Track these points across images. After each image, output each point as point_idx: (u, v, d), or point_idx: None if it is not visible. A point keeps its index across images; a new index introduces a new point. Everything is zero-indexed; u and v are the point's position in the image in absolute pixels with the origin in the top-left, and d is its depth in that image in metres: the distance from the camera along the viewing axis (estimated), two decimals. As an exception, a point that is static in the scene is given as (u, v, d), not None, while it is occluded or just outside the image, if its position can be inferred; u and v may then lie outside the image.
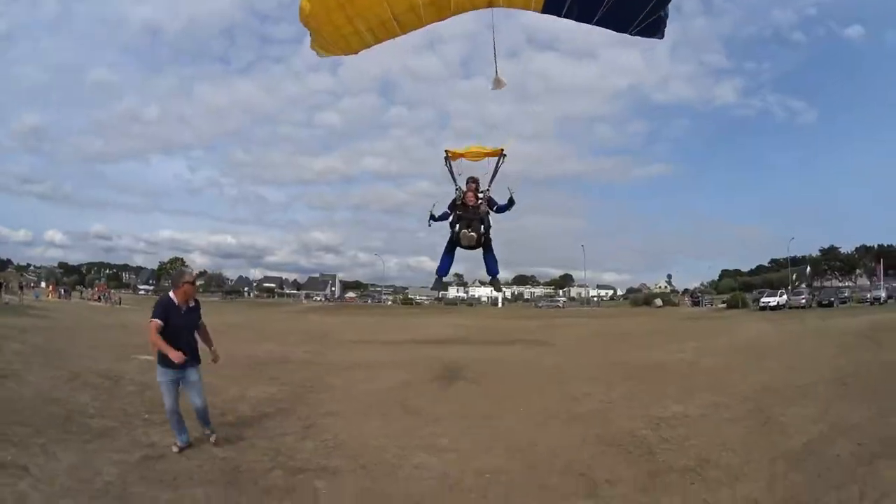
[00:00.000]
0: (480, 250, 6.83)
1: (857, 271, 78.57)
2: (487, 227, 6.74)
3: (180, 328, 4.88)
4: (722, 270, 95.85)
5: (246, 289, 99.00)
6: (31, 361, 8.34)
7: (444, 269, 7.01)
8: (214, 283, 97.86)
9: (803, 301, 31.67)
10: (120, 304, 44.10)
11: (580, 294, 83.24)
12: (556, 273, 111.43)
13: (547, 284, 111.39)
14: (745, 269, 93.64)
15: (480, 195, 6.83)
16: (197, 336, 5.15)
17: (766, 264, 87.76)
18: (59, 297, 45.04)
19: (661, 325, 23.57)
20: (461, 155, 7.04)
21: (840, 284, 62.02)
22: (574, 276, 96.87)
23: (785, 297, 32.91)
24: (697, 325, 22.62)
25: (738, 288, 54.63)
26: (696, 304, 48.34)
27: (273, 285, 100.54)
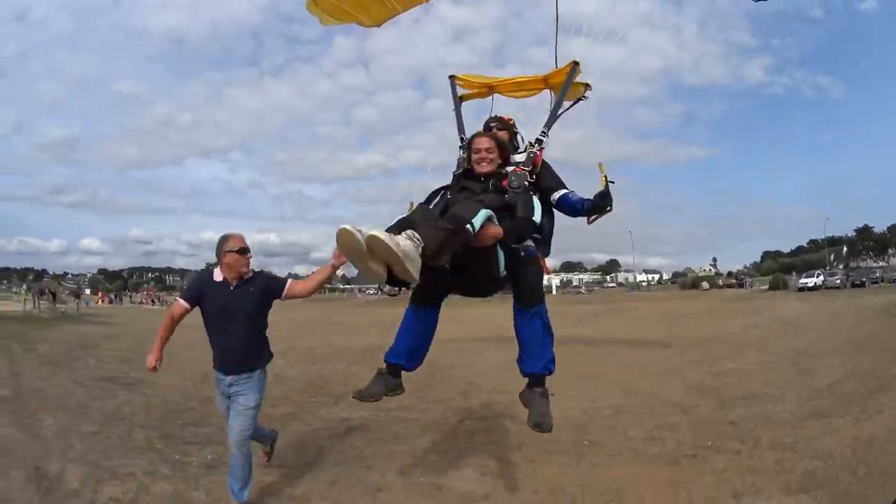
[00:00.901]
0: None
1: (890, 251, 79.10)
2: (522, 231, 3.00)
3: (227, 314, 3.48)
4: (763, 252, 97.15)
5: None
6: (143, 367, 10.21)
7: (398, 351, 3.28)
8: None
9: (837, 282, 34.08)
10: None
11: (627, 279, 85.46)
12: (603, 259, 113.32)
13: (594, 270, 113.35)
14: (785, 249, 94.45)
15: (519, 158, 3.35)
16: (258, 334, 3.63)
17: (805, 245, 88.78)
18: (110, 303, 46.97)
19: (711, 306, 26.48)
20: (488, 86, 4.00)
21: (873, 265, 63.26)
22: (620, 262, 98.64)
23: (822, 278, 35.21)
24: (743, 306, 25.46)
25: (778, 269, 56.65)
26: (740, 286, 50.41)
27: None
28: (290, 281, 3.70)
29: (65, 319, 21.51)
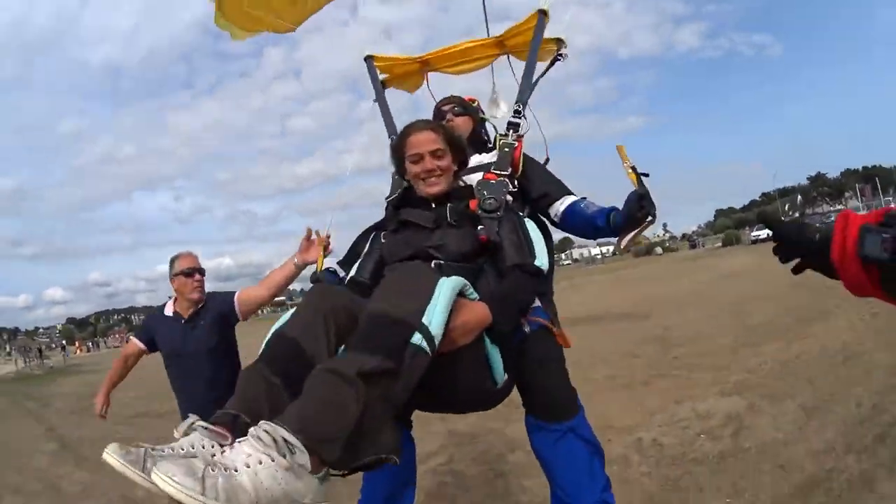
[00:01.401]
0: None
1: (847, 194, 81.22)
2: (523, 296, 1.69)
3: (183, 356, 2.85)
4: (716, 210, 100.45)
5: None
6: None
7: None
8: None
9: None
10: None
11: (582, 255, 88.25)
12: (556, 238, 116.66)
13: None
14: (737, 206, 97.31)
15: (488, 158, 2.21)
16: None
17: (758, 199, 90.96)
18: (88, 352, 47.09)
19: (663, 269, 28.66)
20: (420, 62, 2.81)
21: (830, 209, 65.11)
22: (573, 239, 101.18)
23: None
24: (693, 264, 27.72)
25: (732, 226, 58.93)
26: (693, 246, 52.34)
27: (283, 297, 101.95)
28: (237, 291, 2.91)
29: (57, 374, 22.12)
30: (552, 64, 2.52)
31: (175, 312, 2.91)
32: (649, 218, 1.75)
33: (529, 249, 1.70)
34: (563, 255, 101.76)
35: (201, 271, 2.94)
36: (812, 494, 2.83)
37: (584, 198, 2.10)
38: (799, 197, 76.12)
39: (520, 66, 2.59)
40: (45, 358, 30.65)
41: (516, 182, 2.12)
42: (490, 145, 2.42)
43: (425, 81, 2.85)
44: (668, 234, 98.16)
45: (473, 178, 2.06)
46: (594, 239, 2.15)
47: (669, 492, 3.15)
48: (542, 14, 2.50)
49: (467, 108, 2.43)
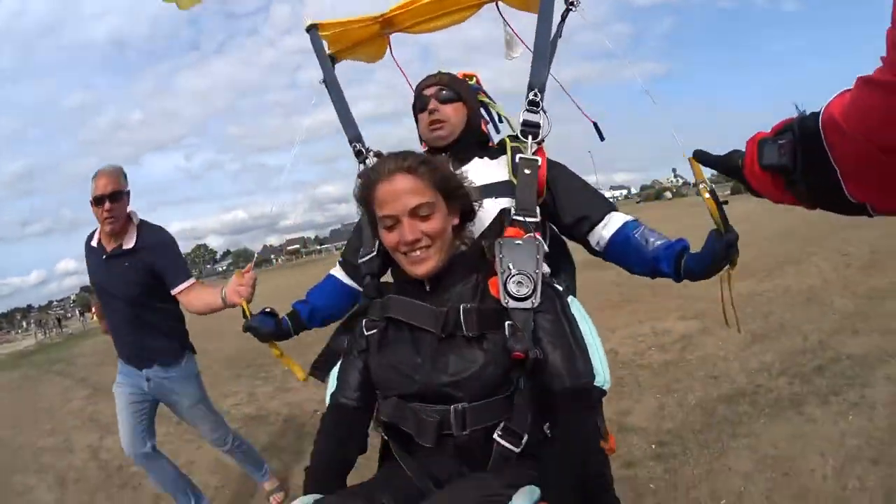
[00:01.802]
0: None
1: None
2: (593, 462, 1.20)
3: (105, 293, 2.54)
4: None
5: (272, 256, 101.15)
6: (213, 335, 11.60)
7: None
8: (242, 258, 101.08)
9: None
10: None
11: None
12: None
13: None
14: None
15: (498, 173, 1.53)
16: (161, 316, 2.53)
17: None
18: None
19: (671, 213, 28.52)
20: (380, 22, 1.96)
21: None
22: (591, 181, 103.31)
23: None
24: (697, 209, 27.81)
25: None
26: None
27: (297, 246, 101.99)
28: (190, 283, 2.44)
29: (77, 338, 22.37)
30: (564, 18, 1.80)
31: (99, 242, 2.50)
32: (730, 265, 1.34)
33: (587, 365, 1.21)
34: None
35: (114, 196, 2.35)
36: (737, 402, 3.31)
37: (637, 220, 1.52)
38: None
39: (517, 18, 1.97)
40: (64, 327, 31.20)
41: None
42: (493, 145, 1.74)
43: (388, 48, 2.10)
44: (680, 180, 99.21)
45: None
46: (651, 276, 1.50)
47: (613, 387, 3.70)
48: None
49: (459, 89, 1.68)
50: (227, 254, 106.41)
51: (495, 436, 1.13)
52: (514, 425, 1.14)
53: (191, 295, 2.41)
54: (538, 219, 1.39)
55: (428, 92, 1.65)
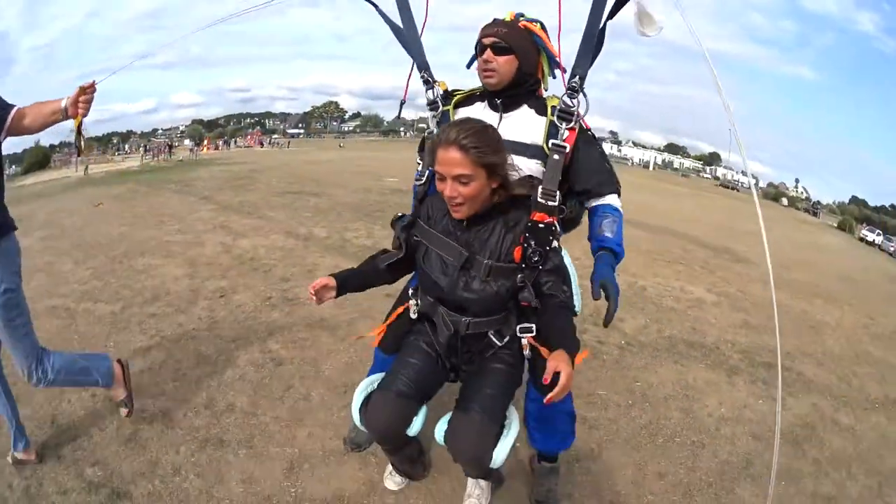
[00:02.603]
0: None
1: None
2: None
3: None
4: (852, 196, 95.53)
5: (402, 128, 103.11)
6: (336, 184, 12.90)
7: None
8: (371, 122, 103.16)
9: (892, 249, 33.13)
10: (289, 146, 48.97)
11: (725, 175, 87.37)
12: (708, 149, 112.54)
13: (697, 158, 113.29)
14: (872, 203, 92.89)
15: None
16: None
17: (888, 206, 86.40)
18: (217, 149, 47.23)
19: (773, 215, 31.11)
20: None
21: None
22: (722, 157, 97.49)
23: (881, 238, 35.64)
24: (799, 225, 30.16)
25: (858, 217, 59.06)
26: (814, 214, 53.65)
27: (424, 125, 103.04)
28: (14, 109, 1.98)
29: (191, 165, 23.56)
30: (620, 4, 1.90)
31: None
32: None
33: (570, 293, 1.84)
34: (707, 168, 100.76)
35: None
36: (679, 345, 4.51)
37: (617, 210, 1.97)
38: None
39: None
40: (173, 154, 33.20)
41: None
42: (543, 95, 2.02)
43: None
44: (802, 194, 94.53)
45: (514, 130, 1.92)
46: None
47: (624, 303, 4.69)
48: None
49: (514, 42, 1.88)
50: (356, 115, 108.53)
51: (490, 333, 1.85)
52: (503, 330, 1.86)
53: (27, 118, 1.98)
54: (557, 203, 1.79)
55: (486, 41, 1.89)
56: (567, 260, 1.98)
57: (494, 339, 1.86)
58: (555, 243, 1.75)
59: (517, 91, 1.95)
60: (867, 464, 3.01)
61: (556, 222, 1.79)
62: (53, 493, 2.21)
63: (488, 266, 1.73)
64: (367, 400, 1.88)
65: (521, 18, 1.95)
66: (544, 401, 1.42)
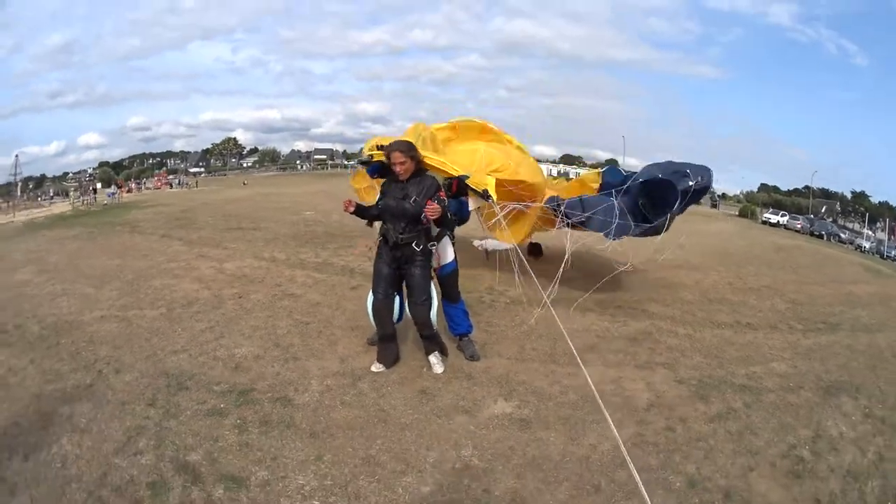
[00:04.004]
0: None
1: (878, 223, 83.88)
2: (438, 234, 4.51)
3: None
4: (761, 184, 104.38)
5: (298, 161, 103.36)
6: (266, 219, 15.02)
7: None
8: (268, 157, 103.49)
9: (798, 226, 36.04)
10: (197, 186, 48.65)
11: None
12: (604, 156, 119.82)
13: (592, 167, 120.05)
14: (783, 188, 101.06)
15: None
16: None
17: (801, 189, 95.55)
18: (129, 192, 49.02)
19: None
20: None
21: (855, 228, 64.82)
22: (619, 162, 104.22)
23: (787, 218, 38.33)
24: (693, 218, 31.00)
25: (769, 203, 64.25)
26: (713, 206, 54.55)
27: (325, 157, 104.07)
28: None
29: (116, 209, 23.45)
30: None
31: None
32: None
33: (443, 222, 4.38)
34: None
35: None
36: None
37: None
38: (838, 204, 79.32)
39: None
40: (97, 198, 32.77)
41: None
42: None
43: None
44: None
45: None
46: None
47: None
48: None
49: (412, 153, 4.29)
50: (254, 150, 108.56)
51: (413, 244, 4.29)
52: (419, 242, 4.32)
53: None
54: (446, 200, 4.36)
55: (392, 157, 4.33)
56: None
57: (415, 248, 4.25)
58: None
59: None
60: (705, 352, 5.26)
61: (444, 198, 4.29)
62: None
63: (416, 202, 4.14)
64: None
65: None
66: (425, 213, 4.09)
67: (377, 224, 4.51)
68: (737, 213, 46.65)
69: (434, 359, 4.47)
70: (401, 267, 4.35)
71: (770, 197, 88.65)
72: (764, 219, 39.09)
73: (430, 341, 4.47)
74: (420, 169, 4.36)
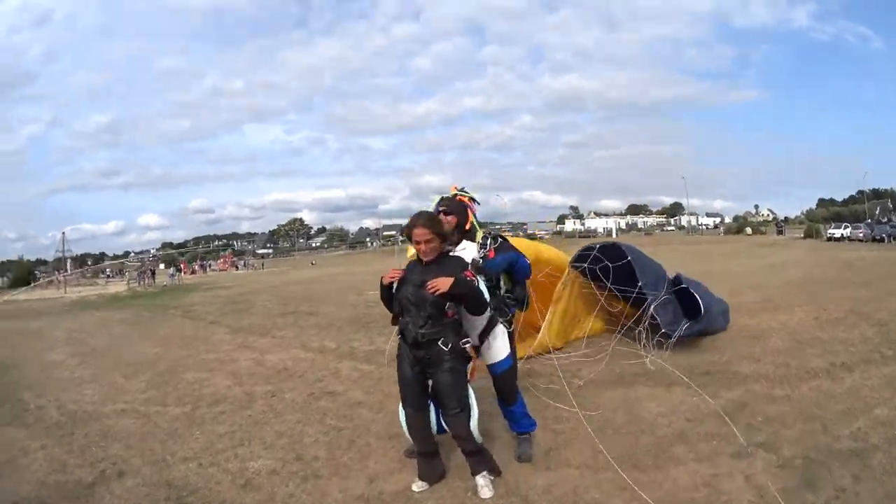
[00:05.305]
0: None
1: None
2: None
3: None
4: (819, 199, 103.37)
5: (367, 239, 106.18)
6: (326, 302, 14.76)
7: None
8: (337, 236, 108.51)
9: (861, 235, 37.88)
10: (263, 268, 51.57)
11: (689, 222, 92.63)
12: (669, 201, 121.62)
13: (659, 213, 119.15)
14: (839, 198, 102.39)
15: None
16: None
17: (856, 195, 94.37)
18: (192, 273, 50.93)
19: (734, 249, 31.69)
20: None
21: None
22: (684, 205, 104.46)
23: (848, 229, 39.91)
24: (762, 250, 30.58)
25: (829, 217, 67.64)
26: (780, 232, 55.24)
27: (393, 233, 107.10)
28: None
29: (175, 291, 25.84)
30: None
31: None
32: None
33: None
34: (672, 220, 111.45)
35: None
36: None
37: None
38: (889, 202, 75.56)
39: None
40: (156, 279, 35.20)
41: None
42: (472, 233, 4.06)
43: None
44: (768, 216, 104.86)
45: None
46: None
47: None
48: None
49: (452, 208, 3.98)
50: (321, 230, 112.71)
51: (439, 343, 3.43)
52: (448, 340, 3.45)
53: None
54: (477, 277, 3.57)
55: (440, 209, 3.96)
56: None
57: (443, 348, 3.42)
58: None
59: (457, 232, 3.94)
60: (806, 415, 4.44)
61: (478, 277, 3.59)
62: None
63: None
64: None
65: (458, 193, 4.15)
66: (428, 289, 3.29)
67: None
68: (802, 234, 47.40)
69: (482, 480, 3.57)
70: (425, 370, 3.56)
71: (828, 210, 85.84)
72: (828, 235, 40.61)
73: (476, 458, 3.60)
74: (448, 251, 3.75)
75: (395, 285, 3.62)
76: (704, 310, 6.82)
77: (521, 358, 6.18)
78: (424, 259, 3.51)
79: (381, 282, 3.67)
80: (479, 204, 4.21)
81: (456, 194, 4.14)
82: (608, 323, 7.51)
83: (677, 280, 7.36)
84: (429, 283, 3.31)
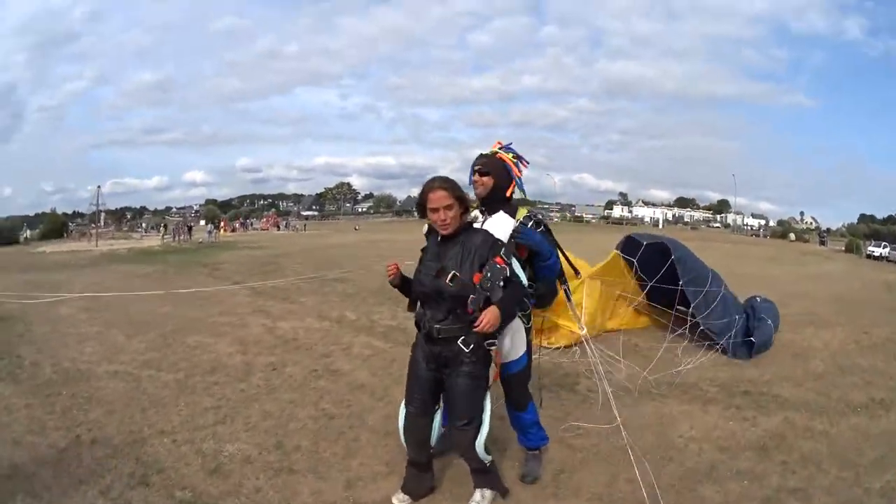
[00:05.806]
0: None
1: None
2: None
3: None
4: (860, 214, 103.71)
5: (413, 208, 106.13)
6: (360, 268, 14.25)
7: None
8: (384, 203, 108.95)
9: None
10: (305, 230, 51.37)
11: (734, 221, 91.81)
12: (716, 197, 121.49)
13: (706, 208, 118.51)
14: (879, 215, 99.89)
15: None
16: None
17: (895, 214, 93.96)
18: (233, 231, 51.04)
19: (776, 254, 30.80)
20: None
21: None
22: (731, 203, 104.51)
23: (888, 249, 38.05)
24: (804, 258, 29.94)
25: (868, 234, 66.74)
26: (822, 243, 54.41)
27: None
28: None
29: (210, 248, 25.99)
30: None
31: None
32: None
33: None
34: (717, 217, 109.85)
35: None
36: None
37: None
38: None
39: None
40: (192, 235, 35.30)
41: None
42: (513, 206, 3.30)
43: None
44: (811, 225, 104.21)
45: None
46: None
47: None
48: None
49: (489, 168, 3.24)
50: (369, 196, 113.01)
51: (458, 341, 2.78)
52: (468, 338, 2.77)
53: None
54: (510, 261, 2.86)
55: (474, 167, 3.23)
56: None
57: (463, 347, 2.80)
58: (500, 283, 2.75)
59: (494, 199, 3.23)
60: (842, 459, 3.85)
61: (508, 265, 2.81)
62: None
63: (454, 276, 2.75)
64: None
65: (500, 150, 3.27)
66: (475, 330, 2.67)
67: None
68: (843, 248, 46.73)
69: (478, 495, 3.07)
70: (440, 369, 2.94)
71: (868, 227, 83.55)
72: (868, 252, 39.57)
73: (481, 476, 3.08)
74: (473, 220, 3.03)
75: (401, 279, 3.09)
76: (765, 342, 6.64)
77: (551, 346, 5.86)
78: (443, 232, 2.84)
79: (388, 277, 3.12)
80: (527, 165, 3.36)
81: (496, 152, 3.28)
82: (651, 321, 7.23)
83: (751, 305, 7.28)
84: (477, 321, 2.67)
